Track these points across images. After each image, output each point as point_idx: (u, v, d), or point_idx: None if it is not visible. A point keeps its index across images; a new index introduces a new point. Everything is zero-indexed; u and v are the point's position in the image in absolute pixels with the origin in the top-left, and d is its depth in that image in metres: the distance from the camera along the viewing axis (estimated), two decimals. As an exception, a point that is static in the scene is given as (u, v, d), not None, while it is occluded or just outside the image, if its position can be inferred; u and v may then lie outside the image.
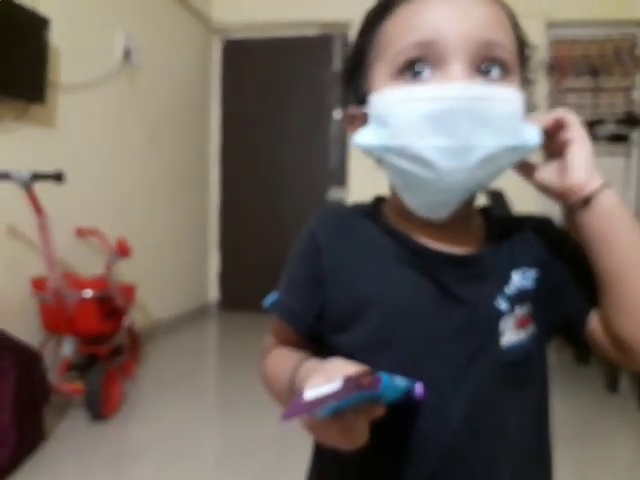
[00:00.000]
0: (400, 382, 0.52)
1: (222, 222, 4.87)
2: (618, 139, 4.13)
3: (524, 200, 2.50)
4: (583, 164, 0.59)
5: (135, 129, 3.62)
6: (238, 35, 4.74)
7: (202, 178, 4.73)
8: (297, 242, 0.71)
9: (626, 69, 4.21)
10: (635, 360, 0.59)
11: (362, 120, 0.63)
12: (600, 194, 0.58)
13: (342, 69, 0.68)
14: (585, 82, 4.26)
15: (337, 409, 0.46)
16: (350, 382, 0.46)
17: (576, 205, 0.59)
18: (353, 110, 0.66)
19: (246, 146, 4.79)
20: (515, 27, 0.63)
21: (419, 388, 0.55)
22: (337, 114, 4.57)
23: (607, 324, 0.60)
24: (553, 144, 0.60)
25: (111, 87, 3.32)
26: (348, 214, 0.71)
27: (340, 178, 4.58)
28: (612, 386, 2.91)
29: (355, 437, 0.51)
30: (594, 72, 4.21)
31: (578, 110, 4.17)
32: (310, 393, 0.47)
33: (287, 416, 0.46)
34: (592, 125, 3.97)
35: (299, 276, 0.69)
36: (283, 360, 0.69)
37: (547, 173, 0.61)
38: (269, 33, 4.65)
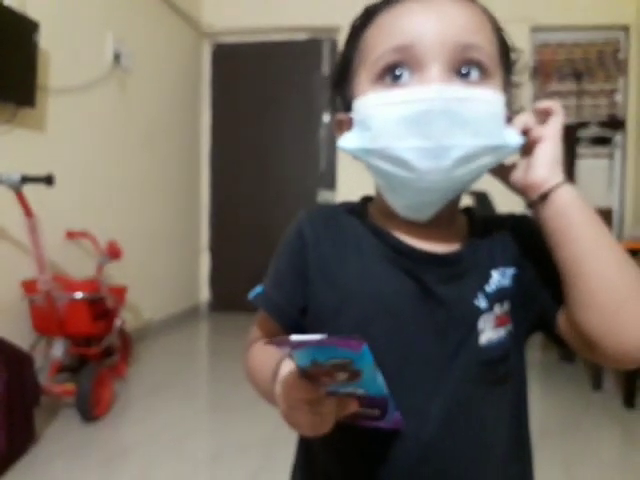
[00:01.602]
0: (381, 382, 0.53)
1: (212, 224, 4.86)
2: (602, 141, 4.17)
3: (508, 201, 2.51)
4: (547, 161, 0.59)
5: (126, 132, 3.61)
6: (228, 39, 4.74)
7: (193, 180, 4.72)
8: (285, 237, 0.71)
9: (609, 73, 4.25)
10: (600, 354, 0.58)
11: (349, 125, 0.64)
12: (557, 190, 0.58)
13: (330, 76, 0.70)
14: (569, 85, 4.29)
15: (315, 358, 0.48)
16: (333, 337, 0.48)
17: (536, 201, 0.60)
18: (340, 115, 0.67)
19: (236, 149, 4.79)
20: (497, 31, 0.63)
21: (397, 415, 0.57)
22: (326, 117, 4.57)
23: (572, 320, 0.60)
24: (527, 141, 0.61)
25: (101, 90, 3.30)
26: (335, 212, 0.71)
27: (329, 181, 4.58)
28: (596, 384, 2.94)
29: (320, 422, 0.52)
30: (578, 75, 4.24)
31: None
32: (295, 338, 0.48)
33: (271, 342, 0.49)
34: (576, 128, 4.00)
35: (285, 270, 0.69)
36: (267, 354, 0.68)
37: (517, 171, 0.62)
38: (259, 37, 4.65)
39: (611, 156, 4.23)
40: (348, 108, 0.64)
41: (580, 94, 4.25)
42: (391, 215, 0.66)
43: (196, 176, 4.78)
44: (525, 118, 0.60)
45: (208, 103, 4.82)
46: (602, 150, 4.23)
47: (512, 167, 0.63)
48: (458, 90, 0.56)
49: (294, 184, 4.69)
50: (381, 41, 0.60)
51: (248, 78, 4.72)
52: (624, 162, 4.18)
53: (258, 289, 0.71)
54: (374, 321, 0.63)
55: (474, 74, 0.58)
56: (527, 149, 0.61)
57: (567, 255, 0.58)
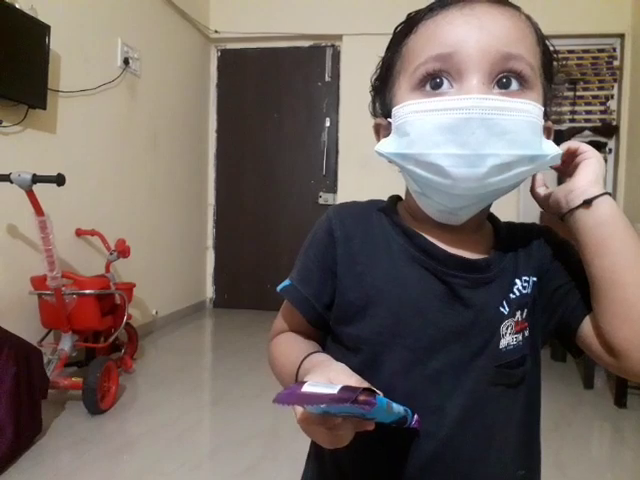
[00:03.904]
0: (397, 408, 0.53)
1: (217, 224, 4.84)
2: (595, 147, 4.13)
3: (504, 207, 2.50)
4: (595, 171, 0.61)
5: (135, 134, 3.59)
6: (234, 45, 4.72)
7: (200, 181, 4.70)
8: (313, 232, 0.70)
9: (604, 80, 4.22)
10: (628, 366, 0.58)
11: (387, 130, 0.63)
12: (602, 198, 0.59)
13: (372, 82, 0.69)
14: (563, 92, 4.26)
15: (326, 412, 0.46)
16: (347, 393, 0.45)
17: (574, 209, 0.60)
18: (379, 120, 0.67)
19: (240, 152, 4.76)
20: (541, 41, 0.62)
21: (416, 418, 0.57)
22: (328, 122, 4.55)
23: (600, 329, 0.59)
24: (569, 169, 0.63)
25: (111, 93, 3.28)
26: (365, 210, 0.70)
27: (330, 184, 4.55)
28: (588, 383, 2.91)
29: (337, 439, 0.51)
30: (572, 82, 4.21)
31: (556, 119, 4.18)
32: (308, 387, 0.46)
33: (279, 401, 0.46)
34: (570, 133, 3.97)
35: (313, 265, 0.68)
36: (290, 347, 0.69)
37: (556, 191, 0.64)
38: (264, 44, 4.63)
39: (604, 161, 4.21)
40: (387, 114, 0.64)
41: (574, 100, 4.22)
42: (421, 218, 0.66)
43: (202, 177, 4.76)
44: (574, 141, 0.63)
45: (214, 107, 4.80)
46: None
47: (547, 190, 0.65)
48: (497, 100, 0.54)
49: (296, 187, 4.66)
50: (423, 49, 0.59)
51: (253, 83, 4.70)
52: (616, 167, 4.16)
53: (286, 282, 0.70)
54: (400, 321, 0.62)
55: (514, 84, 0.57)
56: (570, 168, 0.63)
57: (607, 264, 0.57)
